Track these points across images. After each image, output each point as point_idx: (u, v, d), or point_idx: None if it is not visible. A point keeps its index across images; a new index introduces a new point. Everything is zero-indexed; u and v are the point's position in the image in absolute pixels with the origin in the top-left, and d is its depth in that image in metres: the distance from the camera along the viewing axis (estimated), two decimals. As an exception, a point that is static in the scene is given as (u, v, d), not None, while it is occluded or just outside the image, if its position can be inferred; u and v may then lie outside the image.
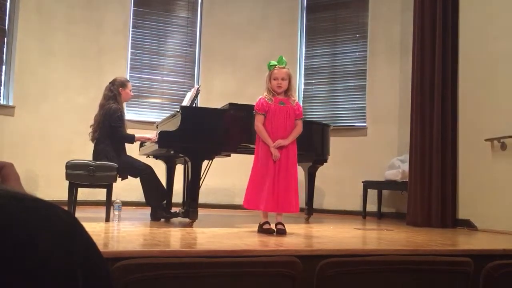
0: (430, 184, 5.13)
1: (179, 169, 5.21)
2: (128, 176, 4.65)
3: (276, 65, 3.66)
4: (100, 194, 5.04)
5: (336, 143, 5.57)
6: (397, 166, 5.93)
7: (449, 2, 5.27)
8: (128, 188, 5.15)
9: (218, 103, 4.68)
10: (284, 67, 3.67)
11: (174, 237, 3.37)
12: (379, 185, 6.10)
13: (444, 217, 5.00)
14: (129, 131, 4.79)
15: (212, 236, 3.31)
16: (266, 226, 3.58)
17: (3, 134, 6.09)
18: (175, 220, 4.51)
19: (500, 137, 4.55)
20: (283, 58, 3.71)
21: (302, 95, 7.17)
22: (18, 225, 0.51)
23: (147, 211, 4.68)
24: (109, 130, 4.58)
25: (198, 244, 2.98)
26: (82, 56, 6.59)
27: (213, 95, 6.73)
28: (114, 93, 4.70)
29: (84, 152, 4.86)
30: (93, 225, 3.74)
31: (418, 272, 2.04)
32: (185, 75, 7.26)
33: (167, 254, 2.35)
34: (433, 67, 5.26)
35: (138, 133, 4.85)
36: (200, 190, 4.09)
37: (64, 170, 4.25)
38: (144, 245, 2.79)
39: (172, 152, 4.21)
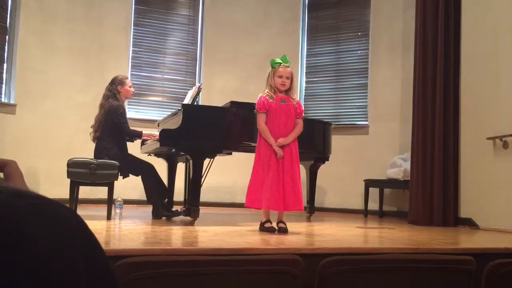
0: (431, 182, 5.12)
1: (181, 167, 5.21)
2: (130, 174, 4.65)
3: (281, 63, 3.64)
4: (101, 192, 5.05)
5: (337, 141, 5.57)
6: (399, 165, 5.92)
7: (451, -1, 5.26)
8: (130, 186, 5.15)
9: (219, 101, 4.68)
10: (288, 66, 3.67)
11: (176, 235, 3.37)
12: (381, 184, 6.09)
13: (446, 216, 5.00)
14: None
15: (213, 234, 3.31)
16: (267, 225, 3.58)
17: (4, 132, 6.10)
18: (177, 218, 4.51)
19: (502, 136, 4.54)
20: (286, 57, 3.71)
21: (304, 93, 7.16)
22: (19, 223, 0.50)
23: (149, 209, 4.68)
24: (114, 127, 4.58)
25: (200, 242, 2.98)
26: (83, 54, 6.60)
27: (215, 93, 6.72)
28: (113, 92, 4.71)
29: (86, 150, 4.86)
30: (95, 223, 3.74)
31: (420, 271, 2.04)
32: (187, 73, 7.25)
33: (169, 252, 2.35)
34: (435, 65, 5.25)
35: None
36: (202, 188, 4.09)
37: (66, 168, 4.25)
38: (145, 243, 2.79)
39: (173, 150, 4.21)
